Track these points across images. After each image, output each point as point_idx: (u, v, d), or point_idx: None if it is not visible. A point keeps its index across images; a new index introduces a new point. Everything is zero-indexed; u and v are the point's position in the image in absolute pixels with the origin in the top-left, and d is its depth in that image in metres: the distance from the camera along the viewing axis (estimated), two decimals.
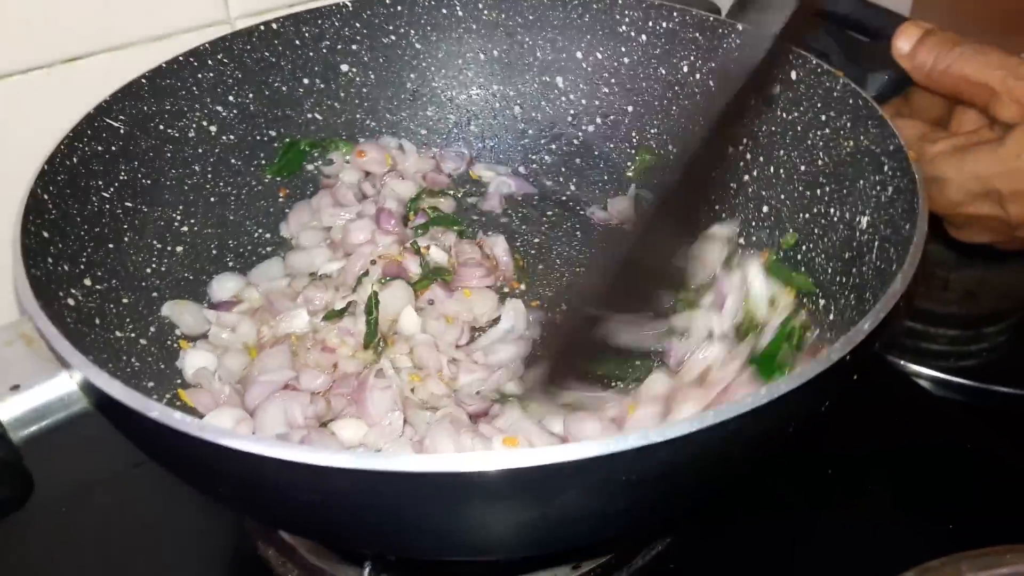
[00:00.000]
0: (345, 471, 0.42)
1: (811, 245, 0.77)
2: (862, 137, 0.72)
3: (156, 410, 0.46)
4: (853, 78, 0.78)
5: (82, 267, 0.68)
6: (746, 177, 0.85)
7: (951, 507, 0.76)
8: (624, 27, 0.91)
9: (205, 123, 0.84)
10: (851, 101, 0.74)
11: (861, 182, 0.72)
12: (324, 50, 0.91)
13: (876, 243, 0.68)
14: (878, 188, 0.70)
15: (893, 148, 0.68)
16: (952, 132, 0.78)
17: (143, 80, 0.78)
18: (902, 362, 0.90)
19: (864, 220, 0.71)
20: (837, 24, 0.88)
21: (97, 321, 0.67)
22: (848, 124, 0.74)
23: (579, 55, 0.93)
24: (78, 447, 0.65)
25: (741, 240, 0.85)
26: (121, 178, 0.75)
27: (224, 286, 0.81)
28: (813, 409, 0.53)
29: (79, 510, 0.71)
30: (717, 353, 0.70)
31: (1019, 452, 0.81)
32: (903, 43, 0.78)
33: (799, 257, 0.78)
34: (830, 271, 0.74)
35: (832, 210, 0.76)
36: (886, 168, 0.69)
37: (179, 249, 0.80)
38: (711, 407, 0.66)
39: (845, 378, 0.52)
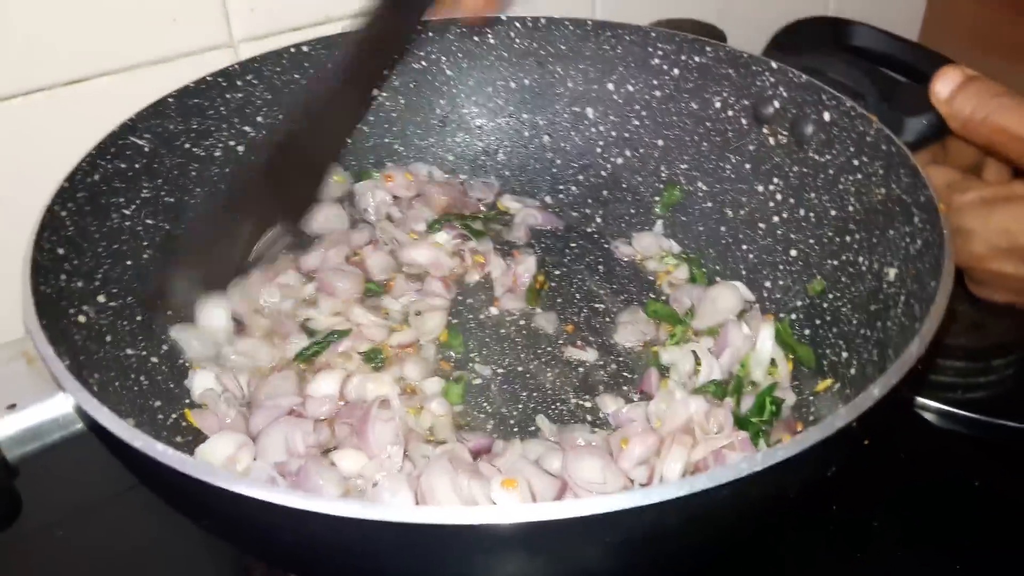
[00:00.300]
0: (316, 515, 0.42)
1: (838, 294, 0.75)
2: (894, 185, 0.70)
3: (140, 440, 0.46)
4: (888, 122, 0.75)
5: (97, 284, 0.68)
6: (775, 218, 0.83)
7: (958, 545, 0.74)
8: (657, 60, 0.89)
9: (232, 143, 0.84)
10: (884, 147, 0.71)
11: (891, 232, 0.70)
12: None
13: (902, 297, 0.65)
14: (907, 240, 0.67)
15: (924, 199, 0.65)
16: (983, 183, 0.75)
17: (170, 99, 0.78)
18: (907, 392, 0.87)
19: (892, 272, 0.68)
20: (871, 62, 0.85)
21: (108, 338, 0.67)
22: (880, 171, 0.72)
23: (610, 86, 0.92)
24: (74, 467, 0.65)
25: (757, 298, 0.84)
26: (143, 195, 0.76)
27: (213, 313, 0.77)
28: (816, 475, 0.50)
29: (72, 531, 0.71)
30: (701, 405, 0.68)
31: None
32: (942, 87, 0.74)
33: (825, 305, 0.76)
34: (855, 323, 0.71)
35: (861, 259, 0.73)
36: (916, 219, 0.66)
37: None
38: (702, 464, 0.66)
39: (852, 444, 0.49)
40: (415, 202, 0.92)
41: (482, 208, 0.95)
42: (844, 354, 0.71)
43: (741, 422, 0.70)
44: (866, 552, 0.74)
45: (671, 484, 0.42)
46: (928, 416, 0.88)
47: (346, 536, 0.44)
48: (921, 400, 0.88)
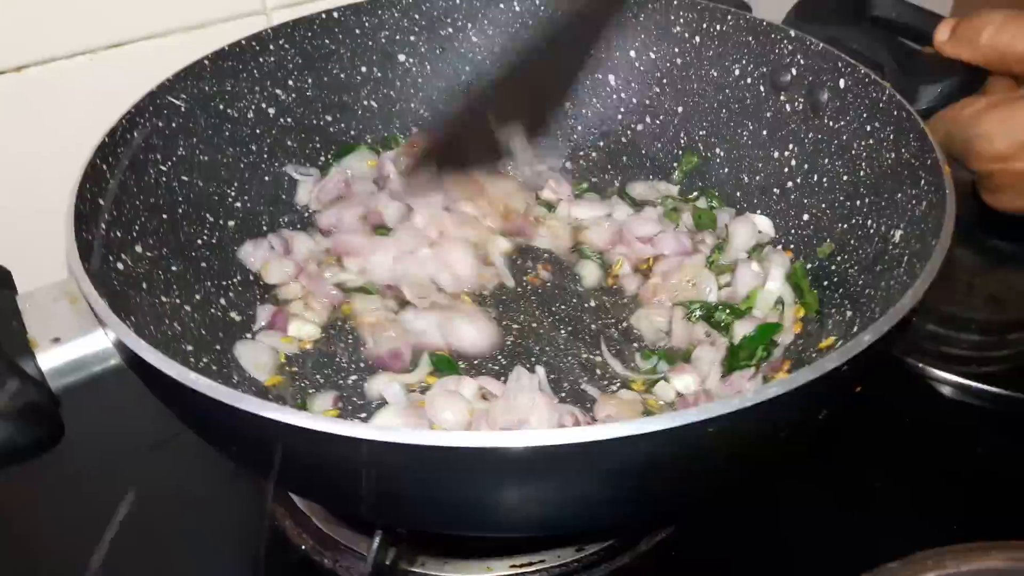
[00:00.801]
0: (346, 439, 0.45)
1: (846, 256, 0.77)
2: (903, 150, 0.71)
3: (174, 369, 0.50)
4: (903, 89, 0.77)
5: (134, 235, 0.72)
6: (789, 183, 0.85)
7: (954, 506, 0.77)
8: (678, 28, 0.91)
9: (264, 105, 0.88)
10: (895, 112, 0.73)
11: (899, 195, 0.71)
12: (383, 40, 0.94)
13: (906, 257, 0.67)
14: (913, 202, 0.69)
15: (930, 162, 0.67)
16: (989, 93, 0.79)
17: (205, 61, 0.82)
18: (921, 365, 0.89)
19: (898, 234, 0.70)
20: (891, 31, 0.86)
21: (144, 285, 0.71)
22: (891, 136, 0.73)
23: (632, 54, 0.94)
24: (113, 398, 0.69)
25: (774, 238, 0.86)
26: (179, 153, 0.80)
27: (255, 254, 0.84)
28: (807, 418, 0.53)
29: (108, 469, 0.77)
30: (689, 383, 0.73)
31: None
32: (941, 32, 0.81)
33: (833, 267, 0.78)
34: (860, 283, 0.73)
35: (870, 222, 0.75)
36: (922, 182, 0.68)
37: (231, 223, 0.84)
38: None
39: (843, 389, 0.52)
40: None
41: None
42: (848, 313, 0.72)
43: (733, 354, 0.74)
44: (866, 511, 0.76)
45: (663, 416, 0.45)
46: (941, 387, 0.89)
47: (374, 462, 0.47)
48: (935, 372, 0.89)
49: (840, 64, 0.79)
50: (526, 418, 0.64)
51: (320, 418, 0.45)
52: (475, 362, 0.77)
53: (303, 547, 0.74)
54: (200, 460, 0.75)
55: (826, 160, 0.81)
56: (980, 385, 0.87)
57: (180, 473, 0.79)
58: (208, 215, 0.82)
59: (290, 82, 0.89)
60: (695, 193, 0.93)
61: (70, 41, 0.87)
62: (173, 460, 0.80)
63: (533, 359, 0.77)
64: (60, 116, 0.76)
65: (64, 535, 0.75)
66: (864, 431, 0.82)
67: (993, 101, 0.79)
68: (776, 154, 0.86)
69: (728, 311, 0.78)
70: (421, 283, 0.80)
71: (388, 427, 0.47)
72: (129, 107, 0.74)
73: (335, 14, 0.90)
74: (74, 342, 0.57)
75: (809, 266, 0.80)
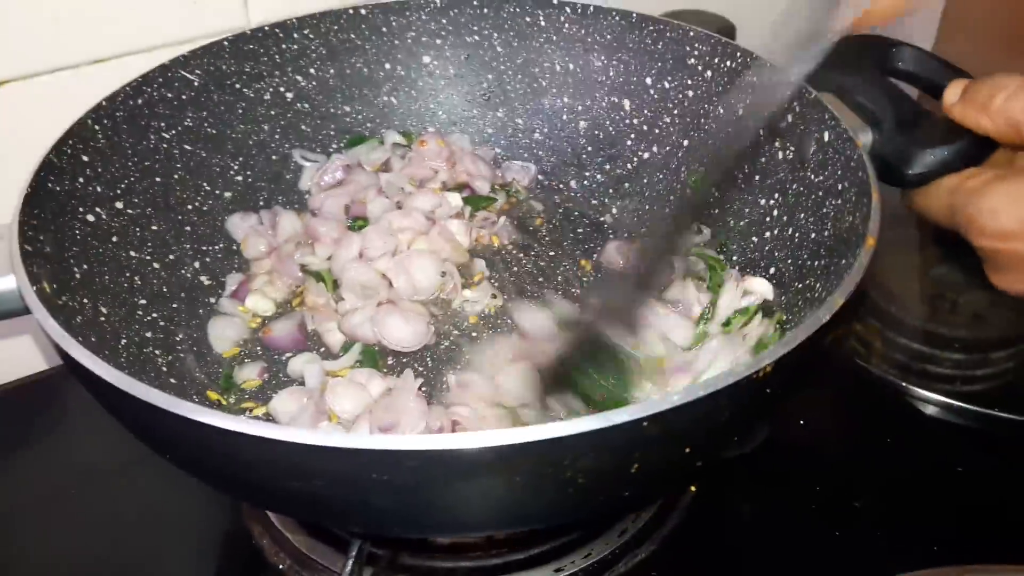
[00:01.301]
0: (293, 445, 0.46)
1: (791, 319, 0.73)
2: (858, 214, 0.67)
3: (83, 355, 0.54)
4: (898, 151, 0.73)
5: (118, 192, 0.79)
6: (767, 233, 0.82)
7: (935, 527, 0.76)
8: (693, 59, 0.89)
9: (282, 89, 0.93)
10: (860, 174, 0.69)
11: (843, 261, 0.67)
12: (409, 40, 0.97)
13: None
14: (849, 272, 0.64)
15: (863, 233, 0.63)
16: (992, 165, 0.73)
17: (225, 42, 0.88)
18: (904, 384, 0.88)
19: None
20: (911, 84, 0.81)
21: (114, 239, 0.77)
22: (853, 198, 0.69)
23: (648, 80, 0.92)
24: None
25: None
26: (186, 123, 0.86)
27: (241, 225, 0.89)
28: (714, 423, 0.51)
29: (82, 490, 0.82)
30: None
31: (1013, 476, 0.80)
32: (951, 93, 0.75)
33: (775, 329, 0.74)
34: None
35: (819, 285, 0.71)
36: (858, 250, 0.63)
37: (227, 195, 0.90)
38: None
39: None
40: (441, 168, 0.96)
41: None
42: None
43: None
44: (848, 529, 0.76)
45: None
46: (923, 407, 0.89)
47: (313, 465, 0.48)
48: (919, 391, 0.89)
49: (827, 116, 0.75)
50: (397, 420, 0.65)
51: (196, 409, 0.47)
52: (403, 360, 0.80)
53: (280, 566, 0.75)
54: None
55: (802, 215, 0.77)
56: (963, 404, 0.86)
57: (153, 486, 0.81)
58: (205, 184, 0.88)
59: (312, 70, 0.94)
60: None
61: (52, 56, 0.87)
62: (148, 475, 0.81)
63: (459, 367, 0.79)
64: (41, 132, 0.72)
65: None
66: (847, 449, 0.83)
67: (1001, 174, 0.73)
68: (762, 201, 0.83)
69: None
70: (370, 284, 0.82)
71: (243, 421, 0.48)
72: (136, 76, 0.81)
73: (363, 11, 0.94)
74: None
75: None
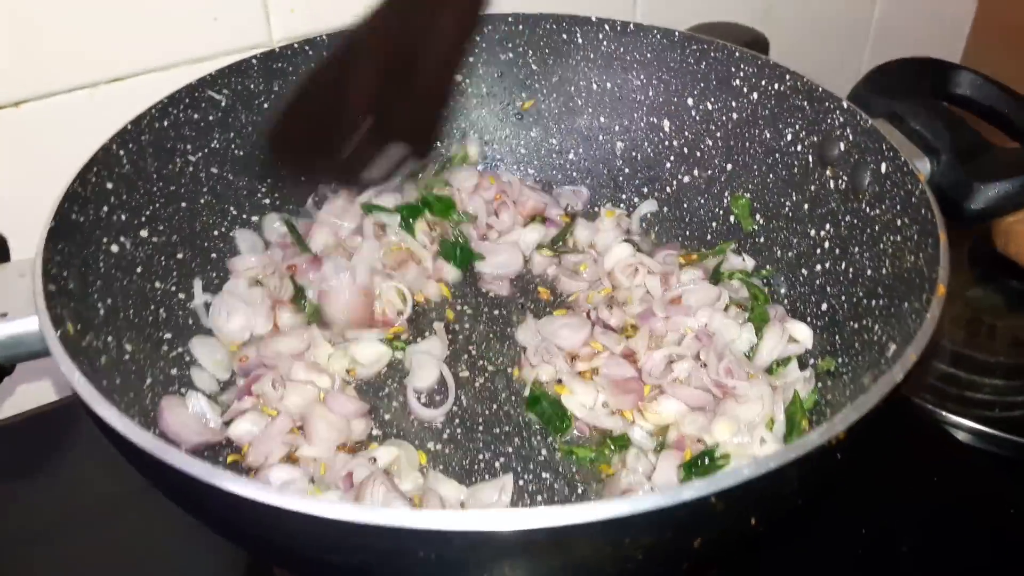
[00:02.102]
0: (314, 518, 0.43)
1: (846, 360, 0.70)
2: (920, 255, 0.64)
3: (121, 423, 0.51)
4: (957, 185, 0.70)
5: (143, 219, 0.76)
6: (818, 267, 0.78)
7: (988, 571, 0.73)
8: (738, 81, 0.85)
9: None
10: (923, 211, 0.65)
11: (905, 305, 0.64)
12: None
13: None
14: (913, 316, 0.61)
15: (935, 277, 0.59)
16: None
17: (253, 60, 0.85)
18: (942, 412, 0.85)
19: (892, 348, 0.63)
20: (968, 110, 0.77)
21: (139, 269, 0.74)
22: (915, 236, 0.66)
23: (690, 102, 0.89)
24: None
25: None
26: (213, 145, 0.83)
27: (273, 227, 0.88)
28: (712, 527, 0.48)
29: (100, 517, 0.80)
30: None
31: None
32: None
33: (831, 370, 0.71)
34: (848, 395, 0.66)
35: (877, 327, 0.68)
36: (925, 297, 0.60)
37: (254, 219, 0.87)
38: None
39: (715, 521, 0.47)
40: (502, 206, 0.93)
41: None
42: None
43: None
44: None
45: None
46: (959, 434, 0.86)
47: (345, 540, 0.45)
48: (954, 417, 0.86)
49: (884, 147, 0.71)
50: None
51: (233, 479, 0.44)
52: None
53: None
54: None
55: (856, 249, 0.74)
56: (999, 433, 0.84)
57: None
58: (232, 208, 0.85)
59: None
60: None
61: (70, 75, 0.84)
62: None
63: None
64: (59, 151, 0.70)
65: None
66: (884, 480, 0.78)
67: None
68: (812, 232, 0.79)
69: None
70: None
71: (287, 496, 0.44)
72: (162, 97, 0.78)
73: None
74: (19, 320, 0.60)
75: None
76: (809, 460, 0.47)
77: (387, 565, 0.47)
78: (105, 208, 0.72)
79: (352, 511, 0.42)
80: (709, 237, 0.89)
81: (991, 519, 0.76)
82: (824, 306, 0.76)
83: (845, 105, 0.75)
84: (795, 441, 0.46)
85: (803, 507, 0.53)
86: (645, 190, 0.94)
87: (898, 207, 0.69)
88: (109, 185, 0.73)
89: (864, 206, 0.73)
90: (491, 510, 0.43)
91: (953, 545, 0.74)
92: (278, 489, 0.45)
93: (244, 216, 0.86)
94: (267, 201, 0.88)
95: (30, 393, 0.95)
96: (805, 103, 0.79)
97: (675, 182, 0.91)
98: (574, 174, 0.97)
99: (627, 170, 0.94)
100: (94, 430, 0.52)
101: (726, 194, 0.88)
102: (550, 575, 0.47)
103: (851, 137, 0.75)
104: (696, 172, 0.90)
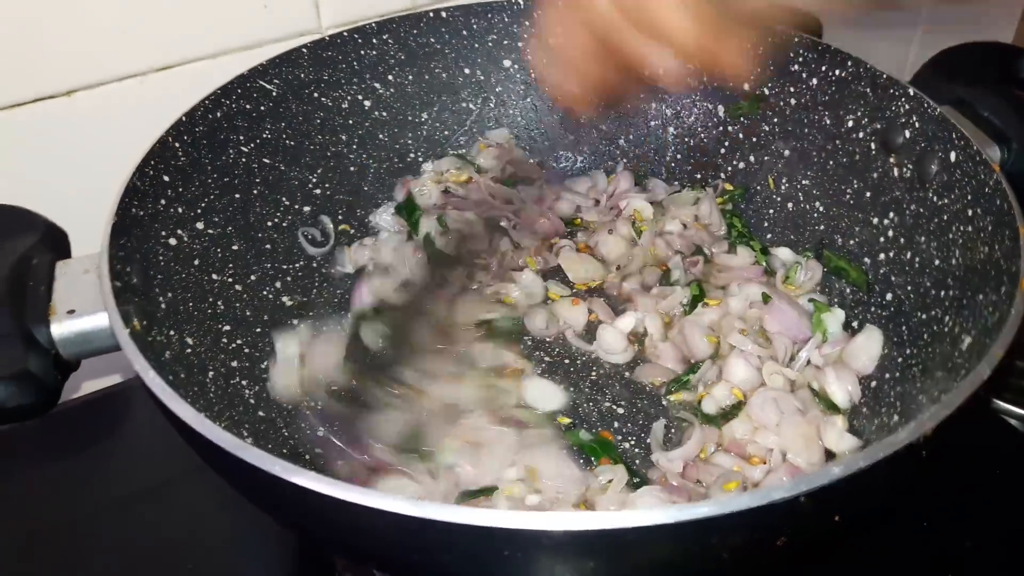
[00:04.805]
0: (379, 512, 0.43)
1: (916, 351, 0.68)
2: (997, 247, 0.62)
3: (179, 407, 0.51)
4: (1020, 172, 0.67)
5: (199, 211, 0.76)
6: (881, 256, 0.77)
7: None
8: (797, 66, 0.83)
9: (360, 97, 0.89)
10: (999, 202, 0.63)
11: (980, 296, 0.62)
12: (490, 43, 0.92)
13: (963, 372, 0.58)
14: (989, 309, 0.60)
15: (1015, 270, 0.58)
16: None
17: (304, 50, 0.84)
18: (999, 402, 0.82)
19: (967, 341, 0.61)
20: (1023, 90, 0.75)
21: (196, 262, 0.74)
22: (989, 227, 0.64)
23: (746, 87, 0.87)
24: None
25: None
26: (264, 136, 0.83)
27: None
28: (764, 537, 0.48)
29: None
30: None
31: None
32: None
33: (900, 360, 0.70)
34: (919, 386, 0.65)
35: (947, 318, 0.66)
36: (1002, 290, 0.59)
37: (307, 209, 0.87)
38: None
39: (798, 521, 0.46)
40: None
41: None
42: (896, 417, 0.65)
43: None
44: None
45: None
46: (1013, 422, 0.83)
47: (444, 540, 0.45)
48: (1005, 405, 0.82)
49: (954, 135, 0.69)
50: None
51: (316, 478, 0.44)
52: None
53: None
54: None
55: (923, 238, 0.72)
56: None
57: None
58: (284, 199, 0.85)
59: (390, 76, 0.90)
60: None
61: (120, 64, 0.84)
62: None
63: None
64: (110, 140, 0.72)
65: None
66: (950, 483, 0.74)
67: None
68: (875, 220, 0.78)
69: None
70: None
71: (371, 494, 0.43)
72: (215, 88, 0.78)
73: (443, 14, 0.90)
74: (87, 316, 0.60)
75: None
76: (898, 458, 0.46)
77: (470, 565, 0.47)
78: (163, 201, 0.72)
79: (452, 512, 0.42)
80: (765, 224, 0.88)
81: None
82: (889, 295, 0.75)
83: (911, 92, 0.73)
84: (884, 439, 0.46)
85: (884, 505, 0.53)
86: (698, 176, 0.92)
87: (969, 197, 0.67)
88: (166, 178, 0.72)
89: (931, 195, 0.72)
90: (580, 512, 0.43)
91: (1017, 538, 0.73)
92: (361, 490, 0.44)
93: (296, 207, 0.86)
94: (318, 191, 0.88)
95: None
96: (868, 89, 0.78)
97: (729, 168, 0.90)
98: (624, 160, 0.95)
99: (679, 156, 0.93)
100: (146, 413, 0.52)
101: (784, 180, 0.86)
102: (634, 573, 0.47)
103: (917, 125, 0.73)
104: (752, 158, 0.89)
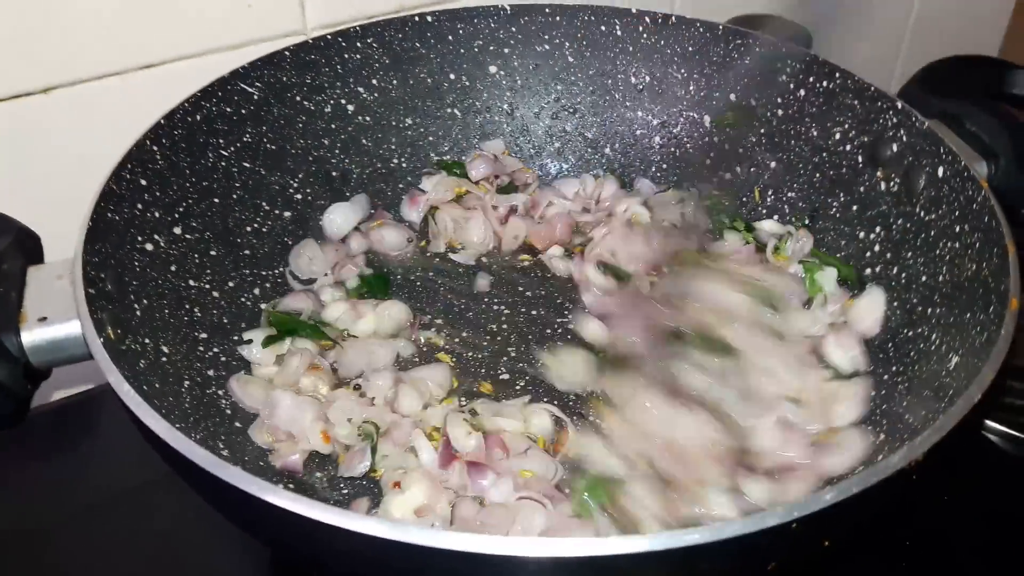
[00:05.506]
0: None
1: (901, 369, 0.68)
2: (984, 264, 0.62)
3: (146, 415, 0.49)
4: (1015, 190, 0.67)
5: (176, 216, 0.74)
6: (868, 271, 0.76)
7: None
8: (784, 77, 0.83)
9: (343, 101, 0.88)
10: (986, 219, 0.63)
11: (968, 315, 0.62)
12: (476, 49, 0.91)
13: (950, 392, 0.58)
14: (977, 329, 0.59)
15: (1003, 289, 0.57)
16: None
17: (286, 52, 0.83)
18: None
19: (955, 360, 0.61)
20: (1020, 108, 0.75)
21: (173, 268, 0.72)
22: (977, 244, 0.64)
23: (733, 97, 0.87)
24: None
25: None
26: (245, 139, 0.81)
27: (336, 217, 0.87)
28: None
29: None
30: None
31: None
32: None
33: (886, 378, 0.69)
34: (904, 405, 0.64)
35: (934, 336, 0.66)
36: (991, 310, 0.58)
37: (287, 214, 0.85)
38: None
39: (792, 543, 0.45)
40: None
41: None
42: (882, 436, 0.64)
43: None
44: None
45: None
46: (993, 438, 0.81)
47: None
48: (993, 425, 0.81)
49: (941, 150, 0.69)
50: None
51: (298, 500, 0.43)
52: None
53: None
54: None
55: (909, 254, 0.72)
56: None
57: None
58: (264, 203, 0.83)
59: (374, 81, 0.89)
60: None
61: (100, 62, 0.82)
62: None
63: None
64: (87, 141, 0.70)
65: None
66: (932, 501, 0.75)
67: None
68: (861, 234, 0.77)
69: None
70: None
71: (355, 517, 0.43)
72: (195, 91, 0.76)
73: (429, 18, 0.89)
74: (59, 324, 0.59)
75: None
76: (889, 483, 0.45)
77: None
78: (139, 205, 0.70)
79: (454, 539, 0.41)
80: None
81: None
82: (886, 312, 0.74)
83: (899, 105, 0.73)
84: (878, 464, 0.45)
85: (871, 527, 0.52)
86: (684, 185, 0.92)
87: (956, 213, 0.67)
88: (143, 182, 0.71)
89: (919, 210, 0.71)
90: (562, 539, 0.42)
91: (1002, 554, 0.73)
92: (332, 509, 0.43)
93: (277, 212, 0.84)
94: (299, 196, 0.86)
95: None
96: (855, 102, 0.78)
97: (715, 179, 0.90)
98: (609, 169, 0.95)
99: (664, 166, 0.92)
100: (119, 417, 0.51)
101: (770, 192, 0.86)
102: None
103: (905, 138, 0.73)
104: (738, 169, 0.88)
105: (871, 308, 0.74)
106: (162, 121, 0.73)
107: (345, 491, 0.68)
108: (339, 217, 0.88)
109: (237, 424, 0.70)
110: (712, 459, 0.63)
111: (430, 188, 0.90)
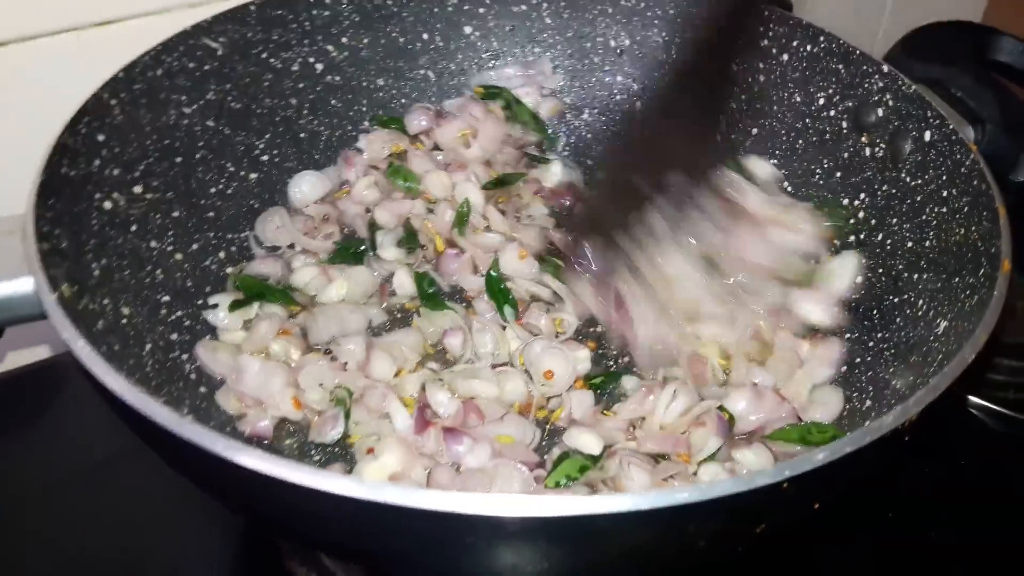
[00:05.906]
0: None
1: (887, 335, 0.67)
2: (973, 228, 0.61)
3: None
4: (1001, 155, 0.66)
5: (137, 174, 0.70)
6: (851, 237, 0.75)
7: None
8: (767, 41, 0.81)
9: (312, 60, 0.84)
10: (975, 183, 0.62)
11: (956, 279, 0.61)
12: (450, 8, 0.88)
13: (940, 357, 0.57)
14: (967, 292, 0.58)
15: (994, 251, 0.56)
16: None
17: (251, 7, 0.79)
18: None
19: (943, 325, 0.60)
20: (1008, 78, 0.74)
21: (134, 228, 0.69)
22: (965, 208, 0.63)
23: None
24: None
25: None
26: (208, 97, 0.77)
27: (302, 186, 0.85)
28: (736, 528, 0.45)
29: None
30: None
31: None
32: None
33: (871, 344, 0.68)
34: (891, 371, 0.63)
35: (921, 302, 0.65)
36: (980, 273, 0.57)
37: (252, 176, 0.82)
38: None
39: (784, 503, 0.44)
40: None
41: None
42: (868, 403, 0.63)
43: None
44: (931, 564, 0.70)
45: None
46: (976, 413, 0.82)
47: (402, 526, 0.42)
48: (975, 400, 0.82)
49: (929, 114, 0.68)
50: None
51: (268, 459, 0.41)
52: None
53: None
54: None
55: (895, 220, 0.71)
56: (1013, 414, 0.80)
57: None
58: (229, 164, 0.79)
59: (344, 39, 0.85)
60: None
61: (55, 18, 0.78)
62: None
63: None
64: (41, 97, 0.67)
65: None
66: (916, 477, 0.74)
67: None
68: (845, 201, 0.76)
69: None
70: None
71: (327, 476, 0.40)
72: (156, 44, 0.73)
73: None
74: (10, 281, 0.55)
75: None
76: (883, 443, 0.44)
77: (429, 551, 0.44)
78: (97, 162, 0.66)
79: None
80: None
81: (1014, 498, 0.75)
82: (859, 279, 0.73)
83: (885, 69, 0.72)
84: (871, 423, 0.43)
85: (860, 491, 0.51)
86: None
87: (944, 177, 0.66)
88: (100, 137, 0.67)
89: (904, 175, 0.70)
90: (555, 496, 0.40)
91: (982, 527, 0.73)
92: (305, 468, 0.40)
93: (242, 173, 0.80)
94: (265, 158, 0.82)
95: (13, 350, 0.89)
96: (840, 66, 0.76)
97: None
98: (587, 134, 0.92)
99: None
100: (79, 389, 0.48)
101: (751, 157, 0.84)
102: (611, 561, 0.44)
103: (891, 103, 0.72)
104: (717, 136, 0.86)
105: (843, 271, 0.73)
106: (120, 74, 0.69)
107: (317, 458, 0.65)
108: (306, 186, 0.85)
109: (202, 390, 0.68)
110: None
111: (365, 146, 0.88)
